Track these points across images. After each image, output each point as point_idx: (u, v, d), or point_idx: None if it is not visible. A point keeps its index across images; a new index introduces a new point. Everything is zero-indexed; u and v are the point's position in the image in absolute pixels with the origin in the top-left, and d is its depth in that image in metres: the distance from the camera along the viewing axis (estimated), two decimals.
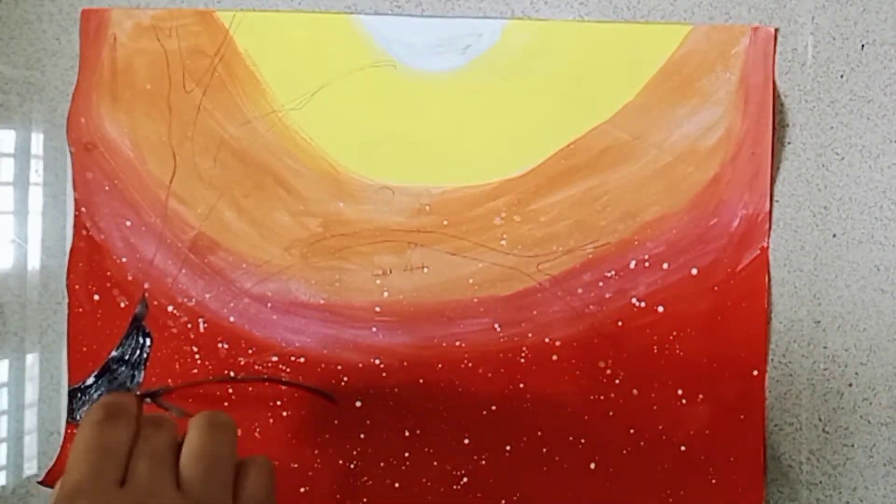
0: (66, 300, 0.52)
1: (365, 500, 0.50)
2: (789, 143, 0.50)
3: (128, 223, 0.51)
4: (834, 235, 0.50)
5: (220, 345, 0.51)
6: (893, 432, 0.50)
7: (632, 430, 0.50)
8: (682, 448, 0.49)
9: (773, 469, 0.50)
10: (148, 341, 0.51)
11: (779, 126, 0.50)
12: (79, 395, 0.52)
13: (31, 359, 0.53)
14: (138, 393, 0.50)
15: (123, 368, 0.51)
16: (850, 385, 0.50)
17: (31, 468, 0.53)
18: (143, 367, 0.51)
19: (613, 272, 0.50)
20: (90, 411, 0.36)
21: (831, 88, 0.50)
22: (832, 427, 0.50)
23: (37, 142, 0.52)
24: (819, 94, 0.50)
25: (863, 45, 0.50)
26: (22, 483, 0.53)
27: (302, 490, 0.50)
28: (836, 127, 0.50)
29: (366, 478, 0.50)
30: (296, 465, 0.50)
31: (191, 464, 0.36)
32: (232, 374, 0.51)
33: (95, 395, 0.51)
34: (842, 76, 0.50)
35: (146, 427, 0.36)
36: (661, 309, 0.49)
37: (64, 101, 0.52)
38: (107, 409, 0.36)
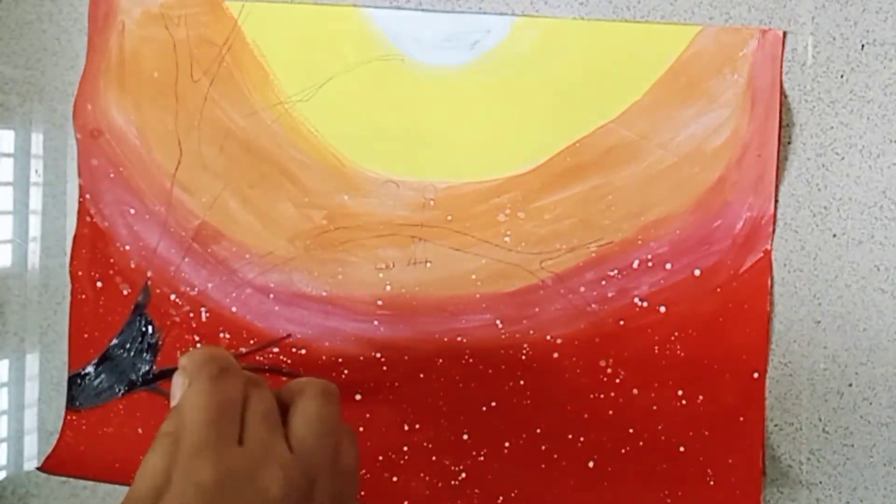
0: (67, 300, 0.52)
1: (363, 493, 0.50)
2: (789, 143, 0.50)
3: (132, 211, 0.51)
4: (834, 235, 0.50)
5: (221, 334, 0.51)
6: (893, 432, 0.50)
7: (631, 430, 0.50)
8: (681, 449, 0.49)
9: (772, 469, 0.50)
10: (150, 329, 0.51)
11: (779, 126, 0.50)
12: (79, 381, 0.52)
13: (31, 358, 0.53)
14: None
15: (125, 356, 0.51)
16: (851, 385, 0.50)
17: (31, 468, 0.53)
18: (143, 355, 0.51)
19: (616, 271, 0.50)
20: (200, 365, 0.36)
21: (831, 88, 0.50)
22: (832, 427, 0.50)
23: (37, 142, 0.52)
24: (819, 95, 0.50)
25: (863, 46, 0.49)
26: (22, 482, 0.53)
27: None
28: (836, 127, 0.50)
29: (364, 471, 0.50)
30: None
31: (305, 428, 0.36)
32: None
33: (95, 383, 0.52)
34: (842, 76, 0.50)
35: (252, 388, 0.37)
36: (663, 309, 0.49)
37: (64, 102, 0.52)
38: (219, 363, 0.36)
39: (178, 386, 0.37)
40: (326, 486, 0.36)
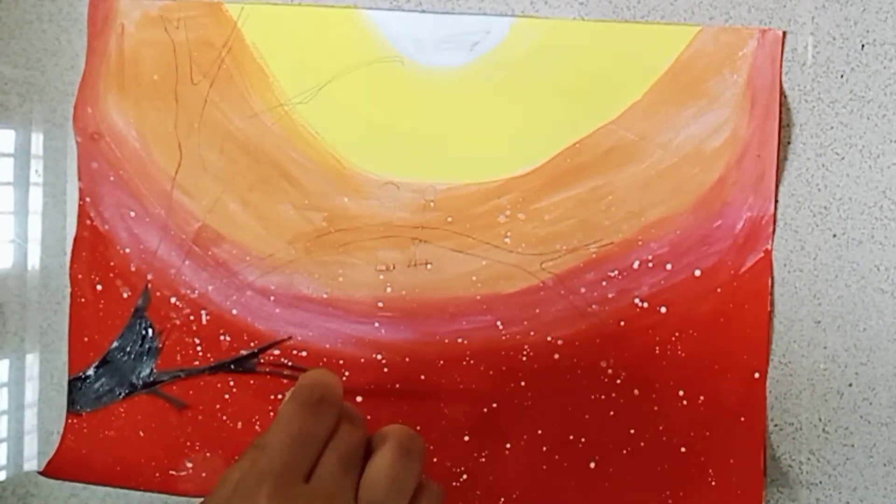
0: (67, 300, 0.52)
1: None
2: (789, 143, 0.50)
3: (132, 214, 0.51)
4: (834, 235, 0.50)
5: (221, 337, 0.51)
6: (893, 432, 0.50)
7: (632, 431, 0.50)
8: (682, 449, 0.49)
9: (773, 469, 0.50)
10: (150, 332, 0.51)
11: (779, 126, 0.50)
12: (79, 385, 0.52)
13: (31, 359, 0.53)
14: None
15: (125, 359, 0.51)
16: (850, 385, 0.50)
17: (31, 468, 0.53)
18: (143, 358, 0.51)
19: (617, 272, 0.50)
20: (301, 386, 0.36)
21: (831, 88, 0.50)
22: (832, 427, 0.50)
23: (37, 142, 0.52)
24: (819, 94, 0.50)
25: (863, 45, 0.49)
26: (22, 482, 0.53)
27: None
28: (836, 127, 0.50)
29: None
30: None
31: (376, 482, 0.35)
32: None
33: (96, 386, 0.51)
34: (842, 76, 0.50)
35: (344, 423, 0.36)
36: (663, 310, 0.49)
37: (64, 102, 0.52)
38: (318, 391, 0.35)
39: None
40: None
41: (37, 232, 0.52)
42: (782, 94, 0.49)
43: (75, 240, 0.51)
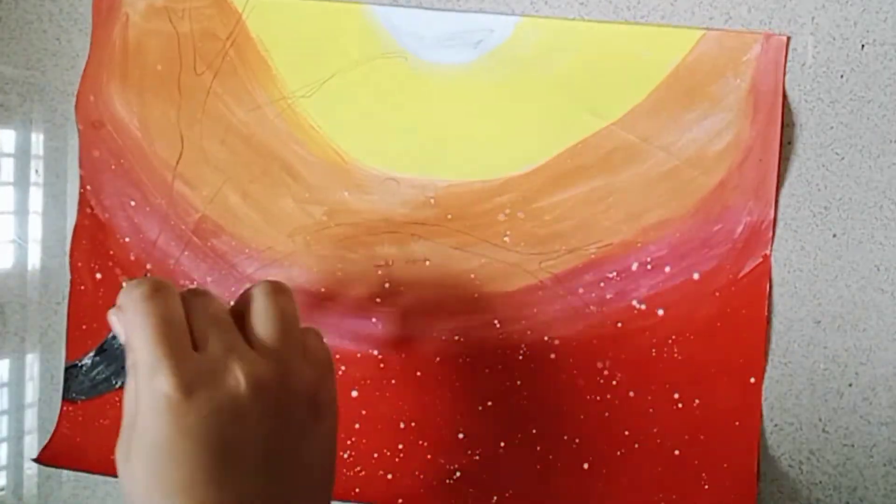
0: (67, 301, 0.52)
1: (357, 490, 0.51)
2: (789, 143, 0.49)
3: (132, 203, 0.51)
4: (834, 235, 0.50)
5: None
6: (893, 432, 0.50)
7: (627, 432, 0.50)
8: (676, 452, 0.49)
9: (772, 469, 0.50)
10: None
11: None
12: (75, 373, 0.52)
13: (32, 359, 0.53)
14: None
15: (121, 349, 0.51)
16: (850, 385, 0.50)
17: (31, 468, 0.53)
18: None
19: (615, 273, 0.50)
20: (132, 289, 0.36)
21: (831, 89, 0.50)
22: (832, 427, 0.50)
23: (37, 142, 0.52)
24: (819, 95, 0.50)
25: (863, 46, 0.49)
26: (22, 482, 0.53)
27: None
28: (836, 127, 0.50)
29: (359, 468, 0.51)
30: None
31: (265, 325, 0.36)
32: None
33: (92, 374, 0.52)
34: (842, 76, 0.50)
35: (192, 298, 0.36)
36: (661, 312, 0.49)
37: (65, 102, 0.52)
38: (149, 284, 0.36)
39: (117, 323, 0.37)
40: (298, 375, 0.36)
41: (37, 232, 0.52)
42: (786, 99, 0.49)
43: (75, 228, 0.51)
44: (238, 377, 0.34)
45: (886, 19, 0.49)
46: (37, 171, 0.52)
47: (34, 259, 0.53)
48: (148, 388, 0.33)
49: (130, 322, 0.35)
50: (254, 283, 0.38)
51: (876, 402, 0.50)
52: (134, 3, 0.51)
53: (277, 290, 0.38)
